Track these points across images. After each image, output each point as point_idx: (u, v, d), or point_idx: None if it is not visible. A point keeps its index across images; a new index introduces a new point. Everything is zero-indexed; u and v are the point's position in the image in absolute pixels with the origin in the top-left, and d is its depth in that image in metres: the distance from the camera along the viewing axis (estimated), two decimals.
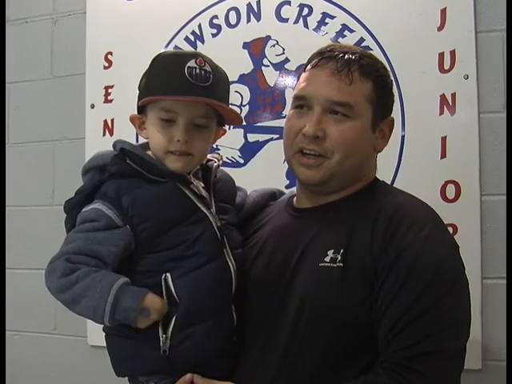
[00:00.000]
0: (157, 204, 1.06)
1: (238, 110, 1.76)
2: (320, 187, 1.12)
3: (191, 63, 1.06)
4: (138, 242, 1.06)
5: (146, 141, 1.16)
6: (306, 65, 1.16)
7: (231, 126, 1.75)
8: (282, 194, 1.34)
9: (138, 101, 1.12)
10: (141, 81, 1.13)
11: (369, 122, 1.11)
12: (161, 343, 1.03)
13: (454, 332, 0.99)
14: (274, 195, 1.32)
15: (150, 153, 1.12)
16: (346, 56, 1.10)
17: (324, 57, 1.11)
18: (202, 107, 1.08)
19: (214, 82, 1.08)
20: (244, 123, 1.78)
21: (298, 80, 1.18)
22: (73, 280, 1.01)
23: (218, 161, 1.19)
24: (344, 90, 1.08)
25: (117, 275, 1.02)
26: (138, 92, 1.15)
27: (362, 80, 1.09)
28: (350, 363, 1.01)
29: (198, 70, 1.06)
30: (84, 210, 1.08)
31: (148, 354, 1.05)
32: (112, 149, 1.13)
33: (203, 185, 1.14)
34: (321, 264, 1.04)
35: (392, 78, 1.17)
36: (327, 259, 1.04)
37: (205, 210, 1.10)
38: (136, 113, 1.15)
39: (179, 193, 1.09)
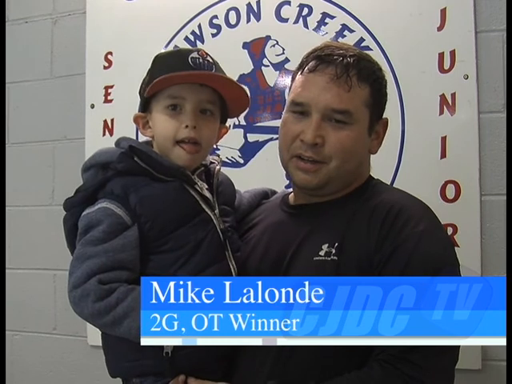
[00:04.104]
0: (164, 202, 1.06)
1: None
2: (316, 191, 1.13)
3: (194, 55, 1.08)
4: (144, 241, 1.05)
5: (147, 139, 1.15)
6: (302, 66, 1.14)
7: (231, 126, 1.76)
8: (275, 193, 1.34)
9: (142, 96, 1.12)
10: (142, 82, 1.13)
11: (366, 127, 1.12)
12: (164, 345, 1.01)
13: None
14: (266, 194, 1.32)
15: (155, 150, 1.12)
16: (345, 60, 1.09)
17: (323, 61, 1.10)
18: (209, 92, 1.09)
19: (217, 71, 1.09)
20: (244, 123, 1.78)
21: (292, 80, 1.17)
22: (112, 303, 0.99)
23: (218, 163, 1.18)
24: (343, 96, 1.08)
25: None
26: (137, 91, 1.15)
27: (360, 85, 1.10)
28: (344, 361, 1.01)
29: (201, 60, 1.07)
30: (89, 211, 1.05)
31: (150, 356, 1.03)
32: (114, 146, 1.12)
33: (207, 186, 1.13)
34: (315, 258, 1.05)
35: (386, 78, 1.17)
36: (322, 253, 1.05)
37: (209, 212, 1.10)
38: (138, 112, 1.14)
39: (185, 192, 1.09)
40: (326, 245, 1.05)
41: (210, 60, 1.09)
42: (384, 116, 1.18)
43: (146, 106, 1.12)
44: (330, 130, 1.09)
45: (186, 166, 1.09)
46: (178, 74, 1.06)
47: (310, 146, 1.08)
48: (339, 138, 1.08)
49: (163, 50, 1.84)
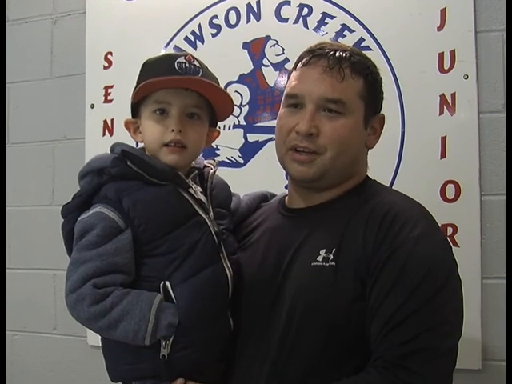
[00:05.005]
0: (157, 206, 1.06)
1: (237, 110, 1.77)
2: (313, 183, 1.13)
3: (180, 59, 1.08)
4: (138, 244, 1.05)
5: (143, 145, 1.16)
6: (297, 63, 1.16)
7: (231, 126, 1.77)
8: (274, 196, 1.33)
9: (131, 104, 1.13)
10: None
11: (361, 119, 1.12)
12: (161, 348, 1.02)
13: (446, 330, 0.99)
14: (265, 197, 1.32)
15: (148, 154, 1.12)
16: (337, 53, 1.11)
17: (315, 55, 1.12)
18: (194, 96, 1.09)
19: (204, 76, 1.09)
20: (244, 123, 1.78)
21: (288, 78, 1.18)
22: (107, 306, 0.99)
23: (214, 167, 1.19)
24: (336, 86, 1.09)
25: (150, 293, 1.02)
26: None
27: (354, 77, 1.10)
28: (342, 363, 1.01)
29: (187, 64, 1.08)
30: (83, 216, 1.06)
31: (147, 359, 1.03)
32: (109, 152, 1.13)
33: (201, 190, 1.14)
34: (313, 263, 1.04)
35: (383, 77, 1.17)
36: (319, 258, 1.04)
37: (203, 215, 1.10)
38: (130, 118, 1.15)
39: (178, 196, 1.09)
40: (324, 250, 1.04)
41: (197, 64, 1.09)
42: (383, 116, 1.18)
43: (135, 111, 1.14)
44: (325, 121, 1.09)
45: (174, 165, 1.09)
46: (160, 79, 1.07)
47: (305, 137, 1.09)
48: (334, 127, 1.08)
49: (163, 50, 1.85)
